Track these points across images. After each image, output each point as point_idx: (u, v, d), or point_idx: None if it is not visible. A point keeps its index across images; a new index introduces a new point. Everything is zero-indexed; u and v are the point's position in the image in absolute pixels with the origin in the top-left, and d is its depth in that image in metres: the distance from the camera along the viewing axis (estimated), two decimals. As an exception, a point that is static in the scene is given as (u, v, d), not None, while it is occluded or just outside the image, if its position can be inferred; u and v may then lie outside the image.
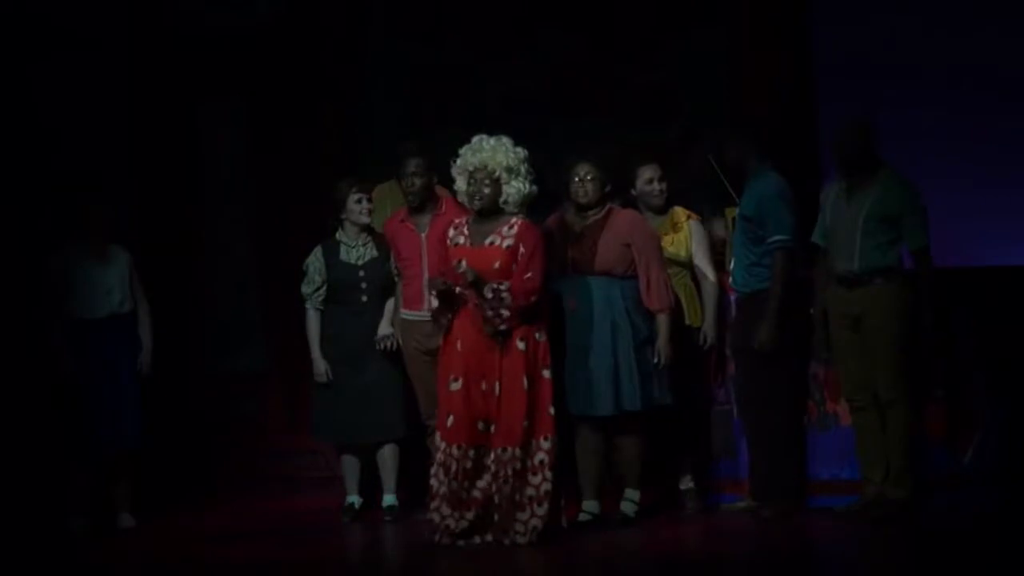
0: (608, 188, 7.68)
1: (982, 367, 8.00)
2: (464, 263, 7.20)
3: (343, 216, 8.19)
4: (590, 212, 7.66)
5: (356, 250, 8.18)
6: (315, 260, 8.19)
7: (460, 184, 7.37)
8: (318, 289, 8.16)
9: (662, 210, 8.02)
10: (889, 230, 7.53)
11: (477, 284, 7.19)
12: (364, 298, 8.14)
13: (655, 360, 7.54)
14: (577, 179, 7.64)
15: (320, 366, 8.14)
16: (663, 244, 7.83)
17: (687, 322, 7.91)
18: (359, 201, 8.17)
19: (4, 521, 8.29)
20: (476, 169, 7.29)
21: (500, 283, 7.19)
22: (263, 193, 9.94)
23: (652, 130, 9.51)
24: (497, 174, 7.28)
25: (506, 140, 7.33)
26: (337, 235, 8.22)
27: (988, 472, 7.90)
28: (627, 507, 7.68)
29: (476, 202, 7.30)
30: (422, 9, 10.02)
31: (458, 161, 7.36)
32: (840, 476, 7.93)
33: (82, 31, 9.56)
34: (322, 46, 9.96)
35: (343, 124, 9.91)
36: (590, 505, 7.68)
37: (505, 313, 7.17)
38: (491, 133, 7.38)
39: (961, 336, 8.00)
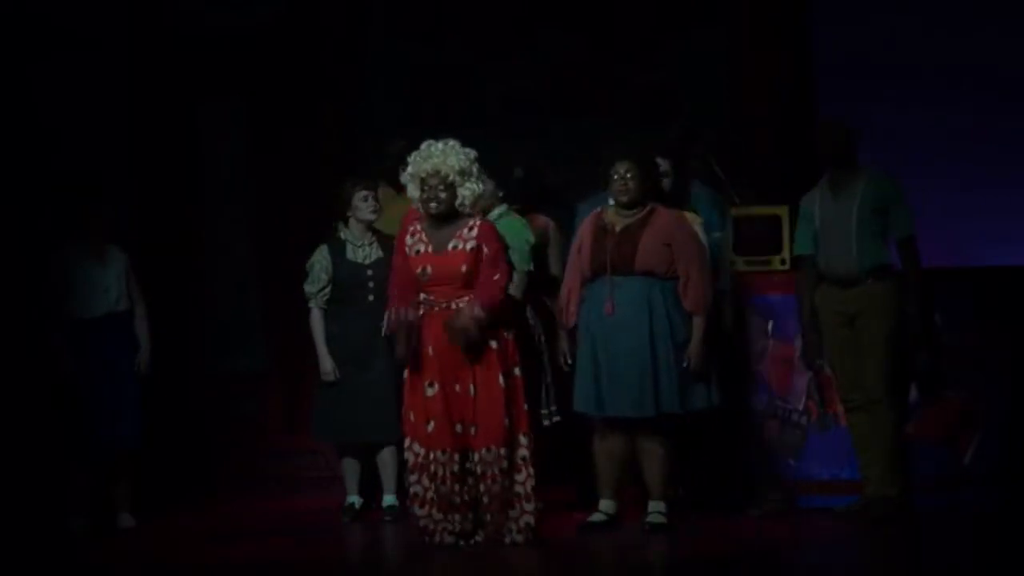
0: (649, 184, 7.52)
1: (982, 367, 8.00)
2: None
3: (348, 214, 8.20)
4: (631, 210, 7.50)
5: (363, 249, 8.19)
6: (321, 259, 8.18)
7: (412, 191, 7.26)
8: (323, 288, 8.16)
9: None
10: (881, 222, 7.55)
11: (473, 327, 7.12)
12: (371, 297, 8.12)
13: (684, 363, 7.38)
14: (617, 176, 7.46)
15: (327, 364, 8.14)
16: None
17: None
18: (365, 199, 8.18)
19: (4, 521, 8.28)
20: (429, 175, 7.18)
21: (465, 299, 7.13)
22: (263, 193, 9.93)
23: (652, 130, 9.50)
24: (451, 178, 7.18)
25: (454, 143, 7.24)
26: (341, 234, 8.22)
27: (988, 472, 7.90)
28: (655, 517, 7.48)
29: (432, 207, 7.21)
30: (422, 9, 10.01)
31: (409, 169, 7.26)
32: (840, 476, 7.93)
33: (82, 31, 9.55)
34: (322, 46, 9.95)
35: (343, 124, 9.90)
36: (607, 505, 7.58)
37: (479, 312, 7.10)
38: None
39: (960, 336, 8.00)
